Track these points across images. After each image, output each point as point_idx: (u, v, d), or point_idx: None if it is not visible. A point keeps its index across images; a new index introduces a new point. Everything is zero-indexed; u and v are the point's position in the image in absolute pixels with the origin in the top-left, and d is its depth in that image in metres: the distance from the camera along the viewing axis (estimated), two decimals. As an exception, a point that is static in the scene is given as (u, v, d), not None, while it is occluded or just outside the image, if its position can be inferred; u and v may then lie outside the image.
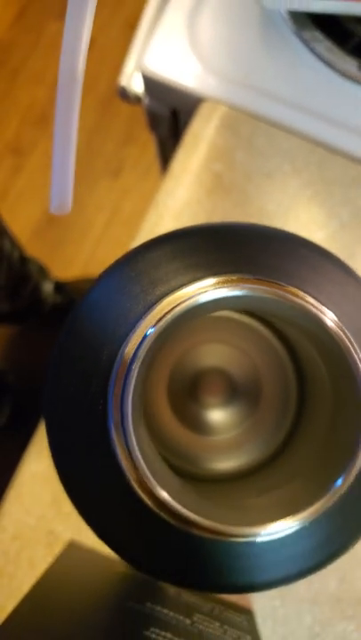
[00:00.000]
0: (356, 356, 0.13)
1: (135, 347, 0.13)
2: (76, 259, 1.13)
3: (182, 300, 0.13)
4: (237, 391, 0.28)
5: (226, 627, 0.25)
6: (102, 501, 0.14)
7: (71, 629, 0.20)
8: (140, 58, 0.41)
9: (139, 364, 0.12)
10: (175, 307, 0.13)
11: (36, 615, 0.21)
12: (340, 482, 0.13)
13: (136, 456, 0.12)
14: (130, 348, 0.13)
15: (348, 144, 0.33)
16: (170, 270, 0.14)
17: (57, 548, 0.29)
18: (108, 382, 0.13)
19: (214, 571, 0.14)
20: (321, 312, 0.13)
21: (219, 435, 0.27)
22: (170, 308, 0.13)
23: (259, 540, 0.13)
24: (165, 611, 0.24)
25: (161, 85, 0.35)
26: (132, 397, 0.12)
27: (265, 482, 0.19)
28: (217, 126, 0.34)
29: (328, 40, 0.34)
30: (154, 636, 0.22)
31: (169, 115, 0.39)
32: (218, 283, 0.13)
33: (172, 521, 0.13)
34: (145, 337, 0.13)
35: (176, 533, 0.13)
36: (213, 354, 0.28)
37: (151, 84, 0.36)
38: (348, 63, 0.34)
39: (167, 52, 0.35)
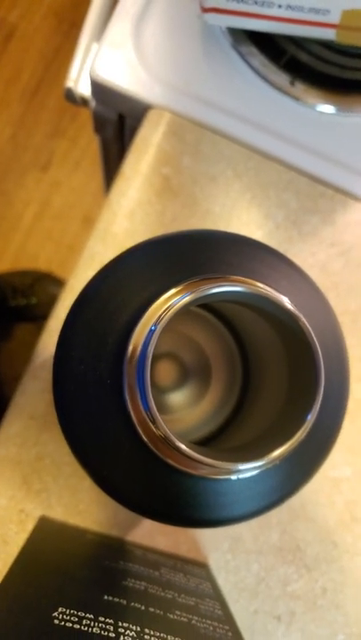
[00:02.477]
0: (311, 332, 0.16)
1: (144, 338, 0.16)
2: (6, 252, 1.11)
3: (183, 294, 0.16)
4: (190, 374, 0.32)
5: (188, 576, 0.29)
6: (106, 452, 0.17)
7: (60, 582, 0.23)
8: (85, 62, 0.43)
9: (152, 350, 0.15)
10: (175, 301, 0.16)
11: (27, 574, 0.23)
12: (297, 434, 0.16)
13: (148, 398, 0.15)
14: (137, 337, 0.16)
15: (282, 152, 0.37)
16: (161, 271, 0.17)
17: (29, 525, 0.31)
18: (119, 361, 0.16)
19: (201, 506, 0.17)
20: (282, 300, 0.17)
21: (179, 412, 0.30)
22: (169, 303, 0.16)
23: (234, 477, 0.16)
24: (137, 566, 0.28)
25: (109, 91, 0.38)
26: (146, 369, 0.15)
27: (229, 443, 0.23)
28: (164, 132, 0.37)
29: (262, 55, 0.38)
30: (131, 584, 0.25)
31: (116, 119, 0.42)
32: (205, 281, 0.16)
33: (169, 461, 0.16)
34: (152, 331, 0.16)
35: (171, 475, 0.16)
36: (166, 341, 0.31)
37: (99, 89, 0.38)
38: (281, 77, 0.38)
39: (115, 60, 0.37)
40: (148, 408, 0.15)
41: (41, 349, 0.34)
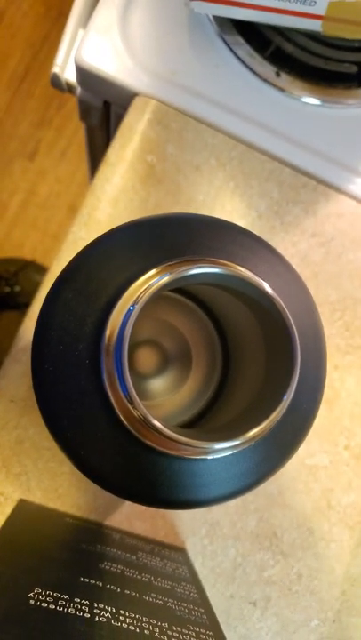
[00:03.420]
0: (287, 313, 0.17)
1: (122, 318, 0.16)
2: (-10, 240, 1.10)
3: (161, 275, 0.16)
4: (170, 360, 0.32)
5: (165, 561, 0.29)
6: (84, 433, 0.17)
7: (37, 563, 0.23)
8: (71, 49, 0.43)
9: (130, 330, 0.15)
10: (154, 282, 0.16)
11: (4, 555, 0.23)
12: (273, 414, 0.17)
13: (125, 378, 0.15)
14: (115, 318, 0.16)
15: (266, 142, 0.37)
16: (140, 253, 0.17)
17: (7, 508, 0.31)
18: (98, 342, 0.16)
19: (178, 487, 0.17)
20: (259, 281, 0.17)
21: (160, 398, 0.31)
22: (148, 284, 0.16)
23: (211, 457, 0.16)
24: (114, 550, 0.28)
25: (95, 78, 0.38)
26: (123, 350, 0.15)
27: (208, 426, 0.23)
28: (150, 120, 0.37)
29: (248, 45, 0.38)
30: (108, 567, 0.25)
31: (101, 106, 0.42)
32: (184, 262, 0.17)
33: (147, 441, 0.16)
34: (129, 311, 0.16)
35: (148, 456, 0.16)
36: (146, 328, 0.32)
37: (85, 76, 0.38)
38: (267, 68, 0.38)
39: (101, 46, 0.37)
40: (125, 388, 0.15)
41: (23, 333, 0.34)
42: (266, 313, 0.17)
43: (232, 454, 0.17)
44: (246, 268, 0.17)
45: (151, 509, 0.33)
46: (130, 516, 0.33)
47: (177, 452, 0.16)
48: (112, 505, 0.33)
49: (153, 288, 0.16)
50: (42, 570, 0.23)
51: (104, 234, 0.19)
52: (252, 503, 0.35)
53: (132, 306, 0.16)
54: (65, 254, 0.35)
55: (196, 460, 0.17)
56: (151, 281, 0.16)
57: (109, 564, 0.26)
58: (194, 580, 0.29)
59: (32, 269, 0.96)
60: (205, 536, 0.34)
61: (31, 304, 0.34)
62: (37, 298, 0.34)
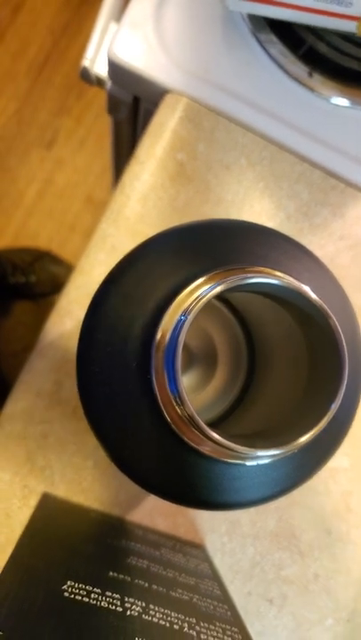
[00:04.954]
0: (339, 329, 0.17)
1: (173, 324, 0.16)
2: (7, 229, 1.11)
3: (211, 282, 0.16)
4: (195, 359, 0.32)
5: (187, 557, 0.29)
6: (128, 432, 0.17)
7: (67, 556, 0.24)
8: (102, 42, 0.43)
9: (183, 338, 0.16)
10: (205, 290, 0.16)
11: (35, 548, 0.24)
12: (320, 423, 0.17)
13: (177, 381, 0.15)
14: (166, 324, 0.16)
15: (296, 143, 0.37)
16: (188, 259, 0.18)
17: (32, 501, 0.32)
18: (147, 346, 0.16)
19: (215, 489, 0.18)
20: (312, 295, 0.17)
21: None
22: (199, 292, 0.16)
23: (250, 463, 0.17)
24: (138, 545, 0.28)
25: (127, 73, 0.38)
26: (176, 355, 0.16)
27: (234, 429, 0.24)
28: (181, 117, 0.36)
29: (281, 44, 0.38)
30: (134, 562, 0.26)
31: (131, 101, 0.42)
32: (236, 271, 0.17)
33: (190, 442, 0.16)
34: (182, 320, 0.16)
35: (188, 457, 0.17)
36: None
37: (117, 70, 0.38)
38: (299, 68, 0.38)
39: (134, 41, 0.37)
40: (176, 390, 0.16)
41: (49, 328, 0.34)
42: (311, 321, 0.17)
43: (273, 462, 0.17)
44: (293, 277, 0.17)
45: (173, 506, 0.34)
46: (152, 512, 0.33)
47: (219, 455, 0.16)
48: (134, 501, 0.34)
49: (205, 298, 0.16)
50: (71, 563, 0.23)
51: (149, 239, 0.19)
52: (273, 503, 0.35)
53: (185, 315, 0.16)
54: (92, 251, 0.35)
55: (235, 464, 0.17)
56: (201, 289, 0.16)
57: (135, 558, 0.26)
58: (215, 576, 0.29)
59: (48, 260, 0.96)
60: (225, 534, 0.34)
61: (58, 298, 0.35)
62: (65, 293, 0.34)
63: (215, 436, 0.16)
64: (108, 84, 0.41)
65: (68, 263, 0.87)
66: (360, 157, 0.38)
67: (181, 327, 0.16)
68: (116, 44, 0.37)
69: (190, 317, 0.16)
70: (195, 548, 0.33)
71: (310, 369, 0.19)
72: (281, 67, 0.38)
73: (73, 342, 0.34)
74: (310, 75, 0.38)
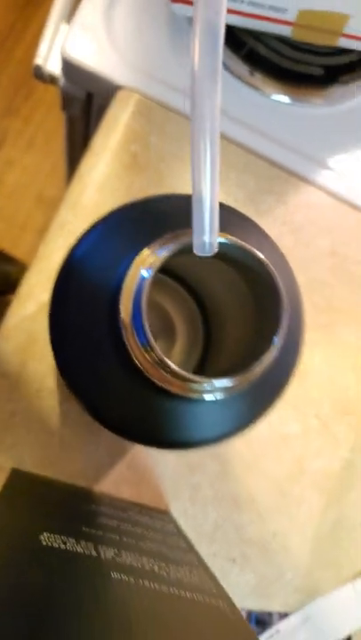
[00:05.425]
0: (278, 278, 0.19)
1: (137, 279, 0.18)
2: None
3: (168, 242, 0.19)
4: (155, 333, 0.35)
5: (153, 519, 0.32)
6: (99, 381, 0.19)
7: (41, 516, 0.25)
8: (54, 41, 0.44)
9: (147, 291, 0.18)
10: (163, 249, 0.18)
11: (10, 509, 0.25)
12: (265, 357, 0.19)
13: (145, 329, 0.17)
14: (130, 281, 0.18)
15: (242, 136, 0.40)
16: (146, 229, 0.20)
17: (1, 477, 0.33)
18: (115, 300, 0.18)
19: (181, 427, 0.20)
20: (253, 250, 0.19)
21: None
22: (158, 250, 0.18)
23: (208, 397, 0.19)
24: (107, 508, 0.30)
25: (79, 71, 0.40)
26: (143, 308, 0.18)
27: None
28: (133, 112, 0.39)
29: (224, 45, 0.41)
30: (105, 521, 0.28)
31: (84, 97, 0.43)
32: (188, 233, 0.19)
33: (156, 381, 0.18)
34: (144, 278, 0.18)
35: (155, 397, 0.19)
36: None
37: (70, 68, 0.40)
38: (242, 68, 0.41)
39: (86, 40, 0.39)
40: (145, 338, 0.18)
41: (12, 312, 0.35)
42: (256, 278, 0.20)
43: (227, 398, 0.20)
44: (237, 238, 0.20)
45: (138, 476, 0.36)
46: (117, 482, 0.35)
47: (184, 391, 0.18)
48: (100, 472, 0.35)
49: (162, 256, 0.18)
50: (46, 521, 0.25)
51: (113, 210, 0.21)
52: (231, 468, 0.37)
53: (147, 269, 0.18)
54: (51, 237, 0.36)
55: (198, 401, 0.19)
56: (159, 247, 0.18)
57: (105, 518, 0.28)
58: (180, 533, 0.31)
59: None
60: (188, 499, 0.36)
61: (19, 285, 0.36)
62: (25, 281, 0.36)
63: (181, 372, 0.18)
64: (62, 81, 0.43)
65: (21, 262, 0.87)
66: (301, 149, 0.41)
67: (143, 282, 0.18)
68: (68, 43, 0.39)
69: (152, 272, 0.18)
70: (160, 513, 0.35)
71: (256, 324, 0.21)
72: (225, 66, 0.41)
73: (36, 324, 0.35)
74: (252, 74, 0.41)
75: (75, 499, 0.31)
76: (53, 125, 1.12)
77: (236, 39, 0.41)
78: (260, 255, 0.19)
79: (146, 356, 0.18)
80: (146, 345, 0.18)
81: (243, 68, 0.41)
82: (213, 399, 0.19)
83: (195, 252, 0.18)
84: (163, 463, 0.36)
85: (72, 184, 0.37)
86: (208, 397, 0.19)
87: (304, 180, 0.41)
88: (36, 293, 0.35)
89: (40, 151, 1.12)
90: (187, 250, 0.19)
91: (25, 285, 0.36)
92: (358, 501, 0.40)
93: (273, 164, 0.40)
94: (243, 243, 0.19)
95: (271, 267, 0.19)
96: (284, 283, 0.19)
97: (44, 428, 0.35)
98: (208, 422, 0.20)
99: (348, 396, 0.40)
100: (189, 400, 0.19)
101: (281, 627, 0.37)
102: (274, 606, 0.38)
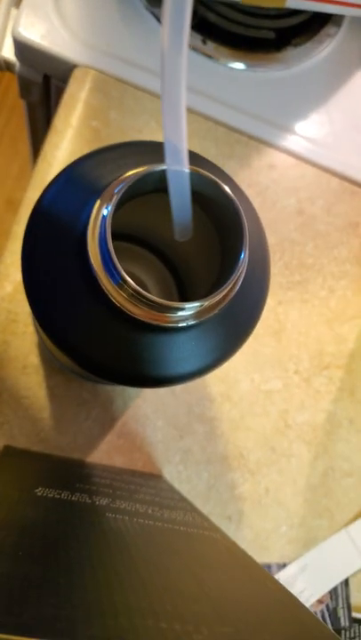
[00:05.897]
0: (241, 209, 0.20)
1: (101, 214, 0.19)
2: None
3: (125, 180, 0.19)
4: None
5: (147, 480, 0.32)
6: (73, 319, 0.20)
7: (36, 477, 0.26)
8: (7, 28, 0.45)
9: (109, 223, 0.18)
10: (129, 178, 0.19)
11: (4, 473, 0.25)
12: (233, 275, 0.20)
13: (114, 262, 0.18)
14: (96, 212, 0.19)
15: (199, 104, 0.41)
16: (114, 165, 0.20)
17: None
18: (82, 238, 0.19)
19: (158, 362, 0.20)
20: (217, 180, 0.20)
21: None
22: (119, 186, 0.19)
23: (181, 324, 0.19)
24: (101, 471, 0.31)
25: (33, 52, 0.40)
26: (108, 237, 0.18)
27: None
28: (90, 88, 0.39)
29: (174, 18, 0.42)
30: (98, 480, 0.28)
31: (41, 81, 0.44)
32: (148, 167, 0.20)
33: (133, 315, 0.19)
34: (105, 214, 0.19)
35: (129, 331, 0.19)
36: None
37: (23, 50, 0.40)
38: (194, 37, 0.41)
39: (37, 21, 0.39)
40: (117, 273, 0.18)
41: (-10, 294, 0.36)
42: (223, 215, 0.21)
43: (200, 329, 0.20)
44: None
45: (129, 443, 0.36)
46: (109, 452, 0.36)
47: (160, 321, 0.19)
48: (92, 443, 0.36)
49: (123, 189, 0.19)
50: (41, 480, 0.26)
51: (78, 158, 0.22)
52: (219, 429, 0.38)
53: (107, 206, 0.19)
54: (23, 217, 0.37)
55: (172, 334, 0.20)
56: (120, 183, 0.19)
57: (98, 478, 0.29)
58: (173, 490, 0.32)
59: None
60: (180, 463, 0.37)
61: (-5, 267, 0.36)
62: (1, 259, 0.36)
63: (156, 298, 0.18)
64: (17, 65, 0.43)
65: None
66: (258, 113, 0.42)
67: (105, 220, 0.18)
68: (19, 24, 0.39)
69: (111, 207, 0.19)
70: (154, 477, 0.35)
71: (224, 266, 0.22)
72: (177, 37, 0.42)
73: (14, 304, 0.35)
74: (204, 42, 0.42)
75: (68, 465, 0.32)
76: (17, 128, 1.11)
77: (186, 10, 0.41)
78: (225, 186, 0.20)
79: (121, 292, 0.19)
80: (119, 280, 0.18)
81: (195, 38, 0.42)
82: (186, 325, 0.19)
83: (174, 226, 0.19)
84: (152, 429, 0.37)
85: (37, 164, 0.38)
86: (182, 324, 0.19)
87: (265, 143, 0.42)
88: (11, 273, 0.36)
89: (5, 155, 1.12)
90: (145, 183, 0.20)
91: (1, 265, 0.36)
92: (345, 451, 0.41)
93: (232, 129, 0.41)
94: (208, 174, 0.20)
95: (232, 195, 0.20)
96: (247, 215, 0.20)
97: (32, 404, 0.35)
98: (186, 354, 0.21)
99: (326, 349, 0.41)
100: (166, 331, 0.20)
101: (280, 576, 0.38)
102: (272, 558, 0.38)
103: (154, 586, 0.14)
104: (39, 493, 0.22)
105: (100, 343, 0.20)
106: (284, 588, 0.17)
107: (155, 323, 0.19)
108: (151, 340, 0.20)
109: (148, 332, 0.20)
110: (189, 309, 0.19)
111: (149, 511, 0.24)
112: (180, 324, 0.19)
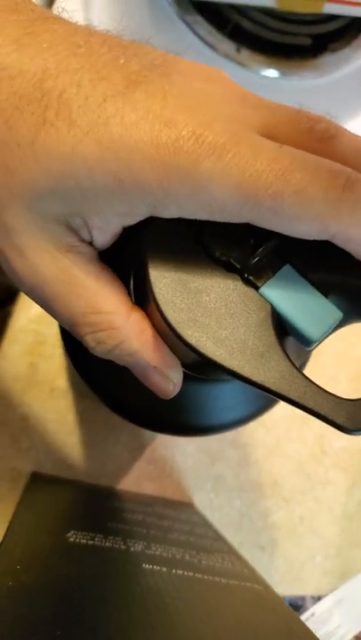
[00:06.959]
0: None
1: None
2: None
3: None
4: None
5: (178, 511, 0.31)
6: (113, 370, 0.18)
7: (66, 515, 0.25)
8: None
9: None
10: None
11: (35, 508, 0.24)
12: None
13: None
14: None
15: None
16: None
17: (21, 483, 0.32)
18: None
19: (202, 411, 0.19)
20: None
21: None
22: None
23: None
24: (131, 504, 0.29)
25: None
26: None
27: None
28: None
29: (208, 24, 0.40)
30: (130, 516, 0.27)
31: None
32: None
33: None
34: None
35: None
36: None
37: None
38: (228, 45, 0.40)
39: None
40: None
41: (18, 315, 0.35)
42: None
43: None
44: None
45: (158, 470, 0.35)
46: (139, 478, 0.35)
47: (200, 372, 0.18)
48: (121, 470, 0.35)
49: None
50: (71, 519, 0.24)
51: None
52: (252, 455, 0.37)
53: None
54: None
55: (215, 384, 0.19)
56: None
57: (130, 513, 0.27)
58: (207, 523, 0.31)
59: None
60: (211, 490, 0.36)
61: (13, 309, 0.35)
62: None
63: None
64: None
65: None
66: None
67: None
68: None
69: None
70: (184, 506, 0.34)
71: None
72: (210, 45, 0.40)
73: (42, 325, 0.34)
74: (238, 50, 0.40)
75: (98, 497, 0.31)
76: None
77: (220, 16, 0.40)
78: None
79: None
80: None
81: (229, 46, 0.40)
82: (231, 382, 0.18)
83: None
84: (182, 456, 0.36)
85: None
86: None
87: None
88: (38, 292, 0.35)
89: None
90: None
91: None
92: (385, 477, 0.39)
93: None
94: None
95: None
96: None
97: (60, 429, 0.34)
98: (229, 405, 0.19)
99: (365, 370, 0.39)
100: (207, 382, 0.18)
101: (315, 610, 0.36)
102: (306, 591, 0.37)
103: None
104: (71, 539, 0.21)
105: (136, 390, 0.19)
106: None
107: (196, 375, 0.18)
108: (191, 389, 0.19)
109: (189, 381, 0.18)
110: None
111: (187, 557, 0.22)
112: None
